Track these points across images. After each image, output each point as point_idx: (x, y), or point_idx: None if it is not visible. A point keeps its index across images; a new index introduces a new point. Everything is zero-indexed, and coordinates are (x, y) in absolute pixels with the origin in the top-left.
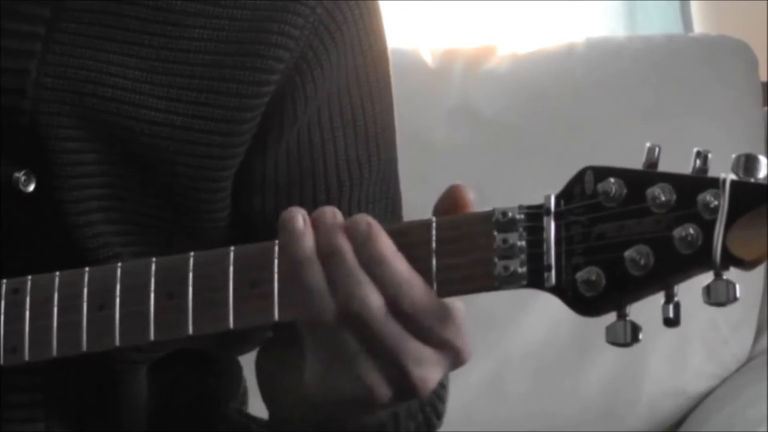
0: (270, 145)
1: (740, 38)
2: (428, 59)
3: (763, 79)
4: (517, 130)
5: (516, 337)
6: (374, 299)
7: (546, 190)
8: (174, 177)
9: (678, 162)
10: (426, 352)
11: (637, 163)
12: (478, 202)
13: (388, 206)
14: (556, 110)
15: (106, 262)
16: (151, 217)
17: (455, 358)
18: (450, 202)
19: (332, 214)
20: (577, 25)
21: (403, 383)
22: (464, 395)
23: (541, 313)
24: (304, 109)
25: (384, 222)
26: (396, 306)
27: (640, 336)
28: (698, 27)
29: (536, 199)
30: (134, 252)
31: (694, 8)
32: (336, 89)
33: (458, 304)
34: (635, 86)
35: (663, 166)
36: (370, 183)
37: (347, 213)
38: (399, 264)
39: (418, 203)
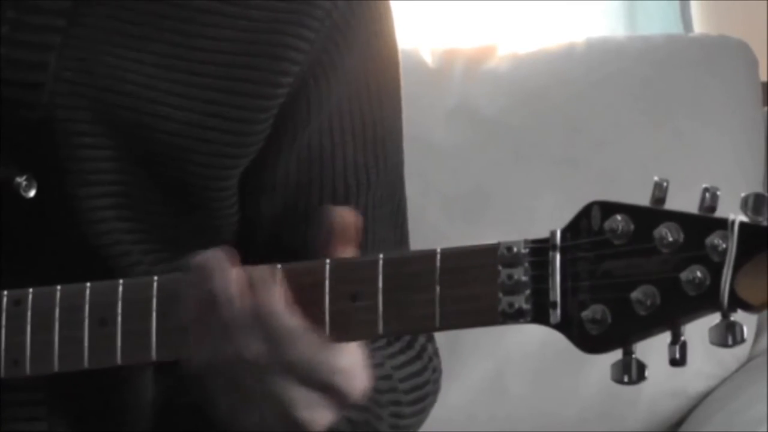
0: (283, 148)
1: (740, 38)
2: (428, 59)
3: (763, 79)
4: (517, 130)
5: (516, 337)
6: (256, 348)
7: (546, 190)
8: (185, 174)
9: (677, 163)
10: (315, 398)
11: (636, 162)
12: (478, 201)
13: (393, 209)
14: (556, 110)
15: (117, 260)
16: (162, 215)
17: (345, 399)
18: (333, 228)
19: (217, 257)
20: (577, 25)
21: (293, 425)
22: (464, 395)
23: None
24: (318, 112)
25: (389, 226)
26: (279, 357)
27: (646, 374)
28: (698, 27)
29: (535, 200)
30: (144, 250)
31: (694, 8)
32: (347, 93)
33: (348, 347)
34: (635, 86)
35: (663, 167)
36: (377, 187)
37: None
38: (285, 318)
39: (417, 203)
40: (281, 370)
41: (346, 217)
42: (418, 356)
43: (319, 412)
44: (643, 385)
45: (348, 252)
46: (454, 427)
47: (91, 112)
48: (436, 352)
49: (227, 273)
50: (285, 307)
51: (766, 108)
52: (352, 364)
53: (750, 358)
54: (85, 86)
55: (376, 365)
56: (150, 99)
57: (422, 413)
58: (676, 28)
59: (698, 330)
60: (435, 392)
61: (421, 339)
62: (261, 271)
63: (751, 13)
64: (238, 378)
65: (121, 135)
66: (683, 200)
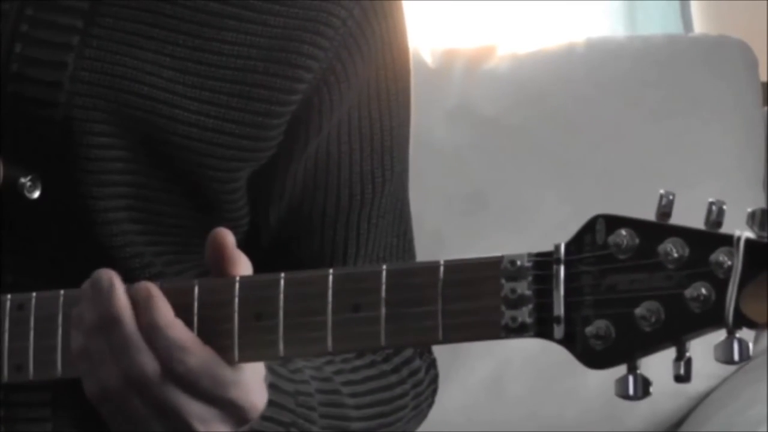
0: (294, 156)
1: (740, 38)
2: (428, 59)
3: (763, 79)
4: (517, 130)
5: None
6: (150, 365)
7: (545, 190)
8: (198, 177)
9: (677, 163)
10: (210, 412)
11: (636, 162)
12: (477, 201)
13: (396, 218)
14: (556, 110)
15: (130, 262)
16: (174, 217)
17: (241, 414)
18: (214, 248)
19: (108, 279)
20: (577, 25)
21: None
22: (464, 397)
23: None
24: (329, 119)
25: (391, 235)
26: (173, 371)
27: (651, 390)
28: (698, 27)
29: (535, 199)
30: (156, 252)
31: (694, 8)
32: (357, 101)
33: (246, 364)
34: (635, 86)
35: (662, 167)
36: (381, 196)
37: (356, 227)
38: (174, 331)
39: (417, 203)
40: (173, 384)
41: (221, 237)
42: (394, 370)
43: (216, 427)
44: None
45: (239, 269)
46: (453, 428)
47: (107, 113)
48: (431, 364)
49: (111, 295)
50: (170, 321)
51: (766, 108)
52: (248, 379)
53: (750, 358)
54: (102, 87)
55: (320, 378)
56: (166, 101)
57: (390, 426)
58: (676, 28)
59: None
60: (416, 406)
61: (408, 352)
62: (142, 288)
63: (751, 13)
64: (130, 398)
65: (136, 136)
66: (683, 200)
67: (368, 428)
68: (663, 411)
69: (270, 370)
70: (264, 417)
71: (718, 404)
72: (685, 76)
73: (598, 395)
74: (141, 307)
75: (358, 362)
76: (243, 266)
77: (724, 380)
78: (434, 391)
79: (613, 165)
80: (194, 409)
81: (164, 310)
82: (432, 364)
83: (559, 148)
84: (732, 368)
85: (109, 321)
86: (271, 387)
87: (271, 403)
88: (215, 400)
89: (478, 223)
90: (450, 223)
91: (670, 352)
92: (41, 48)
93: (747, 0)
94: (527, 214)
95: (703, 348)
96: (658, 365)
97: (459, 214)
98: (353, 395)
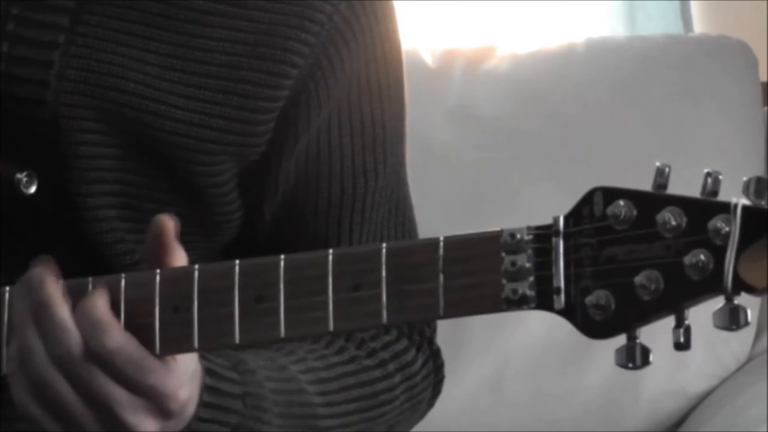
0: (286, 152)
1: (740, 38)
2: (428, 59)
3: (763, 79)
4: (517, 130)
5: (516, 338)
6: (75, 343)
7: (545, 190)
8: (187, 173)
9: (677, 163)
10: (134, 401)
11: (635, 162)
12: (477, 201)
13: (391, 210)
14: (556, 110)
15: (121, 258)
16: (163, 213)
17: (165, 404)
18: (154, 234)
19: (40, 270)
20: (577, 25)
21: (117, 428)
22: (464, 397)
23: (541, 314)
24: (318, 115)
25: (388, 226)
26: (91, 349)
27: (651, 358)
28: (698, 27)
29: (535, 200)
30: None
31: (694, 8)
32: (346, 96)
33: (172, 357)
34: (635, 86)
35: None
36: (375, 190)
37: (348, 220)
38: (96, 311)
39: (416, 203)
40: (94, 363)
41: (162, 222)
42: (379, 365)
43: (140, 416)
44: (643, 385)
45: (173, 259)
46: (453, 429)
47: (94, 111)
48: (430, 356)
49: (42, 283)
50: (94, 302)
51: (766, 108)
52: (170, 369)
53: (750, 358)
54: (89, 85)
55: (279, 379)
56: (152, 98)
57: (374, 420)
58: (676, 28)
59: (698, 330)
60: (410, 398)
61: (399, 345)
62: (75, 281)
63: (751, 13)
64: (55, 388)
65: (124, 133)
66: None
67: (344, 424)
68: (663, 411)
69: (210, 373)
70: (203, 419)
71: (718, 404)
72: (685, 77)
73: (599, 396)
74: (77, 295)
75: (335, 359)
76: (179, 259)
77: (724, 380)
78: (438, 382)
79: (612, 165)
80: (118, 394)
81: (96, 293)
82: (433, 355)
83: (558, 148)
84: (732, 368)
85: (42, 306)
86: (210, 389)
87: (210, 405)
88: (136, 385)
89: (478, 222)
90: (450, 222)
91: (670, 352)
92: (28, 47)
93: (747, 0)
94: (526, 213)
95: (703, 348)
96: (658, 365)
97: (459, 213)
98: (323, 393)
